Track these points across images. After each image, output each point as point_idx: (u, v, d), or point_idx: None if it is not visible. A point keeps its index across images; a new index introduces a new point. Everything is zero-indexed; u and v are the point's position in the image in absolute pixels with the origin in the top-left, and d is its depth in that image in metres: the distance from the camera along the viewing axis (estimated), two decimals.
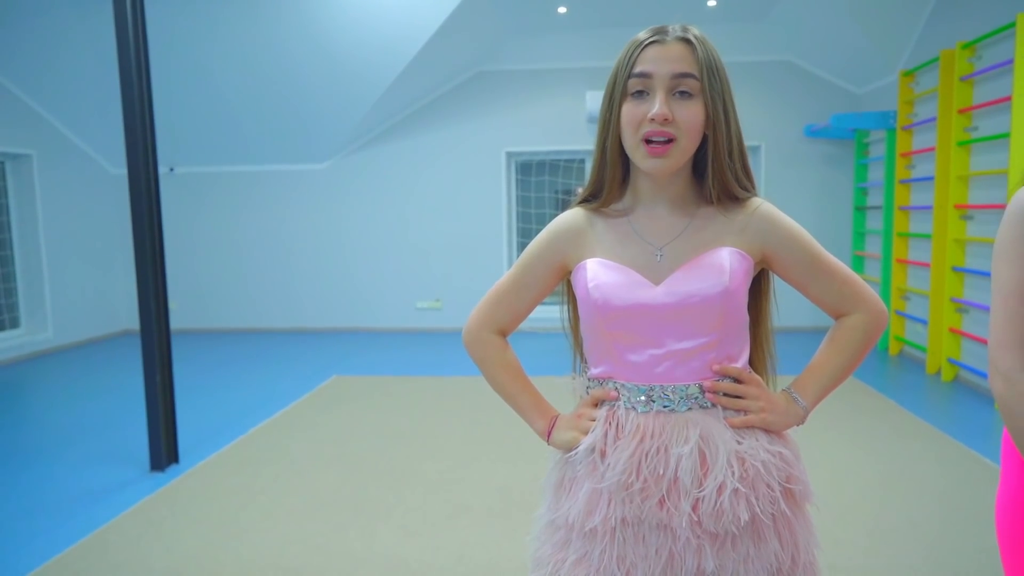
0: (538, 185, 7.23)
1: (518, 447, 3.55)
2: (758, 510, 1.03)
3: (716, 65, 1.04)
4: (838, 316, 1.15)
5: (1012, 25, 4.11)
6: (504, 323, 1.26)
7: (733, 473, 1.02)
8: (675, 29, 1.05)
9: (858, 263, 6.66)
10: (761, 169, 6.76)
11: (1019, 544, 1.09)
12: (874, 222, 6.34)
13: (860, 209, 6.56)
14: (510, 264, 7.17)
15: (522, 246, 7.29)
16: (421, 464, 3.42)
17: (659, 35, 1.04)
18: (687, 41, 1.03)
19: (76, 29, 5.80)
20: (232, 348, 6.55)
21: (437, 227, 7.12)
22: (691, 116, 1.03)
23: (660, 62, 1.03)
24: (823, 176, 6.77)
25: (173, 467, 3.45)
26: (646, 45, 1.04)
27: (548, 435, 1.17)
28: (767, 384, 1.17)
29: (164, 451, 3.43)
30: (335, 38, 5.87)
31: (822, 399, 1.13)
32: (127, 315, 7.33)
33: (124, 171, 6.89)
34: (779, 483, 1.06)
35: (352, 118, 6.64)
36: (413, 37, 5.91)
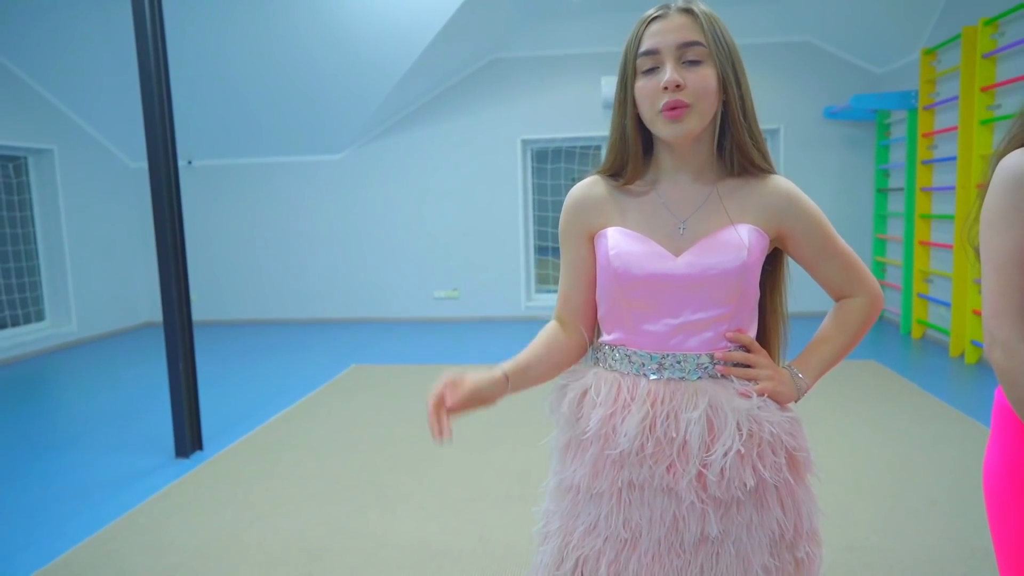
0: (554, 172, 7.23)
1: (536, 432, 3.57)
2: (765, 476, 1.05)
3: (721, 31, 1.07)
4: (840, 298, 1.19)
5: None
6: (569, 313, 1.22)
7: (741, 438, 1.04)
8: (675, 3, 1.08)
9: (879, 246, 6.59)
10: (780, 152, 6.69)
11: (1007, 505, 1.11)
12: (896, 204, 6.27)
13: (881, 191, 6.48)
14: (527, 252, 7.21)
15: (539, 234, 7.30)
16: (440, 450, 3.45)
17: (662, 10, 1.08)
18: (688, 11, 1.06)
19: (94, 26, 5.89)
20: (251, 339, 6.63)
21: (453, 216, 7.15)
22: (702, 80, 1.05)
23: (664, 34, 1.05)
24: (843, 158, 6.69)
25: (197, 453, 3.53)
26: (650, 22, 1.08)
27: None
28: (776, 361, 1.20)
29: (189, 438, 3.50)
30: (348, 28, 5.89)
31: (821, 376, 1.16)
32: (147, 308, 7.46)
33: (143, 164, 7.03)
34: (784, 451, 1.08)
35: (367, 108, 6.67)
36: (426, 26, 5.91)
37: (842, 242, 1.16)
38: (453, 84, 7.01)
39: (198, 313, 7.14)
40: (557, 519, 1.18)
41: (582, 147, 7.13)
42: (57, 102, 6.43)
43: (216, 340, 6.52)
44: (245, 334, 6.89)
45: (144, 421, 4.10)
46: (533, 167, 7.23)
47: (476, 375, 1.14)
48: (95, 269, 6.82)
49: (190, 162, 7.18)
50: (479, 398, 1.13)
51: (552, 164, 7.23)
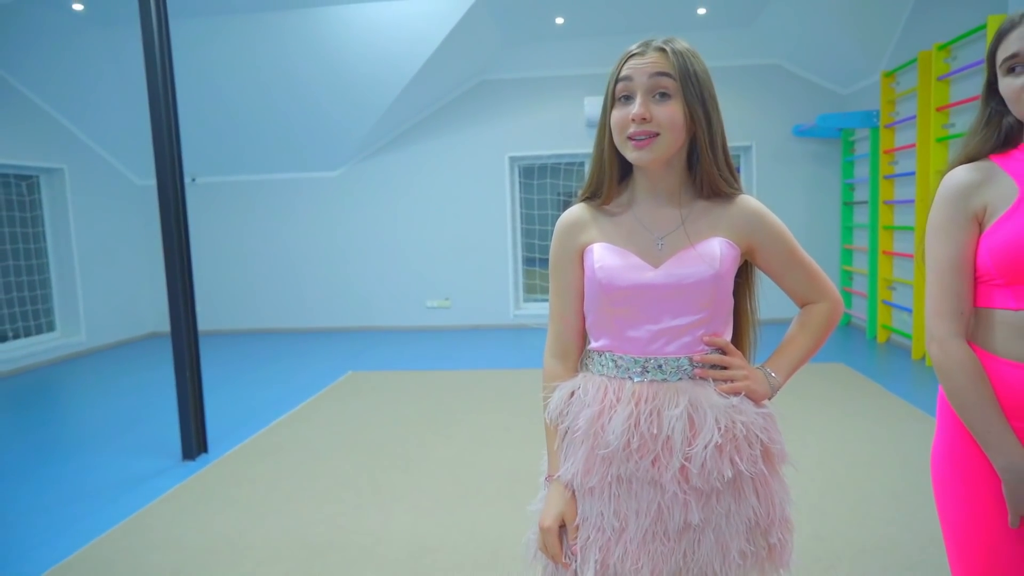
0: (540, 188, 7.49)
1: (525, 433, 3.77)
2: (741, 468, 1.13)
3: (693, 69, 1.14)
4: (804, 304, 1.29)
5: (983, 27, 4.32)
6: (564, 341, 1.29)
7: (720, 432, 1.12)
8: (655, 42, 1.17)
9: (847, 256, 6.86)
10: (753, 167, 6.97)
11: (948, 488, 1.21)
12: (861, 216, 6.54)
13: (847, 204, 6.76)
14: (515, 263, 7.46)
15: (526, 246, 7.55)
16: (434, 451, 3.62)
17: (641, 47, 1.17)
18: (662, 50, 1.15)
19: (102, 50, 6.11)
20: (252, 347, 6.82)
21: (445, 229, 7.39)
22: (670, 114, 1.13)
23: (639, 68, 1.14)
24: (812, 173, 6.98)
25: (203, 456, 3.66)
26: (630, 56, 1.17)
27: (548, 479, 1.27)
28: (749, 361, 1.30)
29: (195, 441, 3.64)
30: (343, 54, 6.15)
31: (792, 375, 1.25)
32: (153, 318, 7.66)
33: (149, 182, 7.27)
34: (760, 444, 1.16)
35: (362, 128, 6.93)
36: (418, 51, 6.18)
37: (805, 255, 1.25)
38: (444, 104, 7.27)
39: (202, 323, 7.35)
40: None
41: (567, 163, 7.39)
42: (67, 122, 6.64)
43: (219, 349, 6.70)
44: (247, 343, 7.08)
45: (151, 426, 4.25)
46: (520, 182, 7.49)
47: (559, 514, 1.20)
48: (103, 282, 7.01)
49: (194, 179, 7.40)
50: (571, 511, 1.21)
51: (539, 180, 7.49)
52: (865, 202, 6.35)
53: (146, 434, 4.13)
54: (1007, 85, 1.13)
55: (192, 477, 3.36)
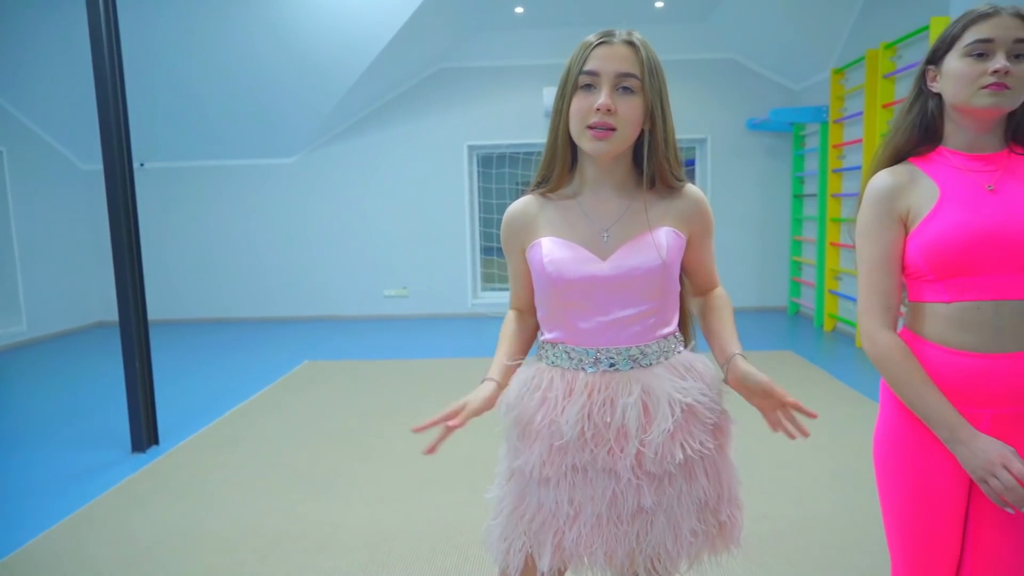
0: (499, 177, 7.51)
1: (482, 421, 3.79)
2: (690, 452, 1.17)
3: (656, 67, 1.16)
4: (704, 290, 1.34)
5: (926, 28, 4.47)
6: (522, 305, 1.36)
7: (673, 416, 1.16)
8: (621, 33, 1.17)
9: (796, 247, 7.06)
10: (708, 160, 7.10)
11: (888, 469, 1.27)
12: (810, 208, 6.73)
13: (798, 197, 6.96)
14: (474, 252, 7.47)
15: (485, 235, 7.57)
16: (392, 440, 3.63)
17: (607, 37, 1.16)
18: (631, 44, 1.15)
19: (45, 27, 5.87)
20: (206, 338, 6.69)
21: (403, 218, 7.35)
22: (631, 110, 1.15)
23: (607, 60, 1.14)
24: (764, 166, 7.15)
25: (154, 448, 3.59)
26: (596, 46, 1.15)
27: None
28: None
29: (145, 433, 3.56)
30: (301, 36, 6.04)
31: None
32: (100, 307, 7.45)
33: (94, 166, 7.04)
34: (710, 427, 1.20)
35: (319, 114, 6.83)
36: (377, 36, 6.11)
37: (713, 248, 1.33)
38: (402, 91, 7.21)
39: (153, 312, 7.17)
40: (509, 501, 1.27)
41: (525, 153, 7.42)
42: (6, 104, 6.39)
43: (171, 339, 6.56)
44: (199, 333, 6.95)
45: (99, 418, 4.15)
46: (479, 171, 7.50)
47: (477, 398, 1.21)
48: (46, 269, 6.80)
49: (143, 164, 7.20)
50: (484, 410, 1.22)
51: (497, 169, 7.51)
52: (814, 195, 6.53)
53: (93, 426, 4.03)
54: (964, 66, 1.16)
55: (142, 469, 3.30)
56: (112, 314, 7.06)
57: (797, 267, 7.08)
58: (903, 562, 1.28)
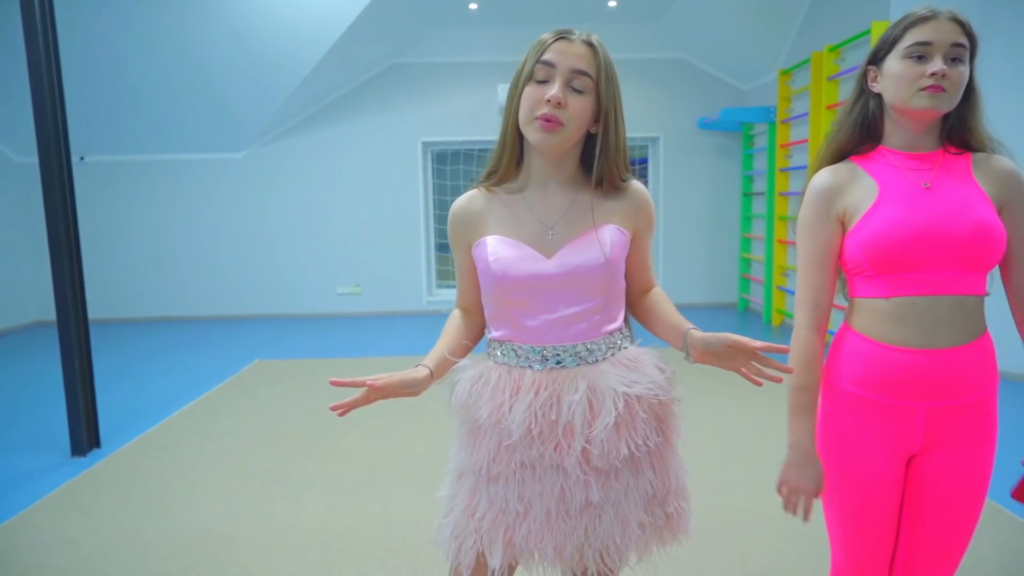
0: (453, 174, 7.48)
1: (435, 419, 3.78)
2: (632, 447, 1.18)
3: (611, 72, 1.18)
4: (644, 290, 1.33)
5: (868, 32, 4.63)
6: (468, 303, 1.35)
7: (616, 409, 1.17)
8: (581, 33, 1.18)
9: (746, 244, 7.22)
10: (660, 158, 7.21)
11: (827, 454, 1.31)
12: (759, 207, 6.90)
13: (747, 195, 7.12)
14: (428, 249, 7.44)
15: (439, 232, 7.54)
16: (343, 438, 3.59)
17: (567, 33, 1.17)
18: (590, 45, 1.17)
19: None
20: (152, 337, 6.51)
21: (356, 215, 7.27)
22: (581, 109, 1.16)
23: (564, 55, 1.15)
24: (715, 165, 7.30)
25: (95, 452, 3.49)
26: (555, 40, 1.17)
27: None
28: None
29: (85, 436, 3.45)
30: (252, 26, 5.91)
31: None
32: (38, 306, 7.16)
33: (30, 159, 6.76)
34: (655, 421, 1.22)
35: (269, 107, 6.69)
36: (329, 28, 6.02)
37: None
38: (356, 86, 7.12)
39: (95, 311, 6.92)
40: (460, 499, 1.27)
41: (480, 150, 7.39)
42: None
43: (115, 338, 6.36)
44: (145, 332, 6.75)
45: (38, 421, 4.02)
46: (433, 168, 7.46)
47: (406, 376, 1.19)
48: None
49: (82, 158, 6.95)
50: (407, 391, 1.19)
51: (451, 165, 7.48)
52: (763, 193, 6.69)
53: (31, 430, 3.90)
54: (903, 68, 1.20)
55: (83, 474, 3.21)
56: (51, 313, 6.77)
57: (747, 264, 7.24)
58: (841, 545, 1.33)
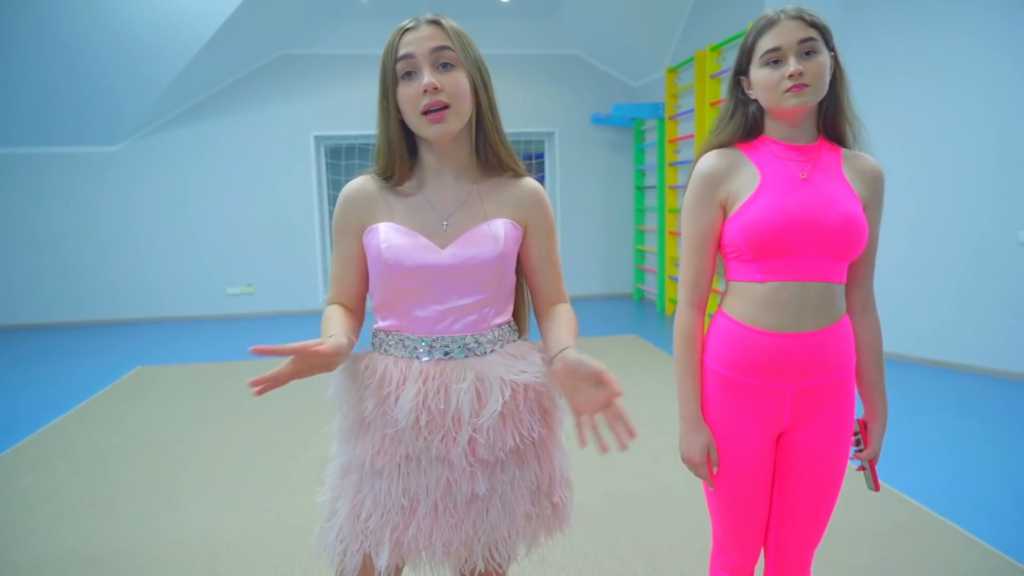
0: (348, 168, 7.32)
1: (330, 421, 3.71)
2: (517, 439, 1.19)
3: (466, 38, 1.18)
4: (549, 304, 1.29)
5: (744, 32, 4.88)
6: (346, 299, 1.28)
7: (504, 397, 1.17)
8: (423, 17, 1.18)
9: (640, 236, 7.48)
10: (556, 153, 7.34)
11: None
12: (651, 199, 7.16)
13: (640, 188, 7.37)
14: (323, 247, 7.24)
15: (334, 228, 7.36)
16: (235, 445, 3.46)
17: (413, 22, 1.17)
18: (436, 23, 1.17)
19: None
20: (20, 346, 6.01)
21: (247, 212, 6.98)
22: (456, 82, 1.15)
23: (418, 42, 1.15)
24: (609, 159, 7.51)
25: None
26: (403, 32, 1.17)
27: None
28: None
29: None
30: (126, 13, 5.53)
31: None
32: None
33: None
34: (539, 411, 1.23)
35: (146, 98, 6.30)
36: (210, 16, 5.74)
37: (559, 261, 1.30)
38: (241, 77, 6.83)
39: None
40: (344, 500, 1.24)
41: (375, 144, 7.29)
42: None
43: None
44: (13, 340, 6.22)
45: None
46: (327, 163, 7.27)
47: (328, 341, 1.10)
48: None
49: None
50: (334, 359, 1.11)
51: (346, 160, 7.32)
52: (654, 186, 6.95)
53: None
54: (765, 76, 1.25)
55: None
56: None
57: (641, 255, 7.49)
58: (720, 519, 1.40)
